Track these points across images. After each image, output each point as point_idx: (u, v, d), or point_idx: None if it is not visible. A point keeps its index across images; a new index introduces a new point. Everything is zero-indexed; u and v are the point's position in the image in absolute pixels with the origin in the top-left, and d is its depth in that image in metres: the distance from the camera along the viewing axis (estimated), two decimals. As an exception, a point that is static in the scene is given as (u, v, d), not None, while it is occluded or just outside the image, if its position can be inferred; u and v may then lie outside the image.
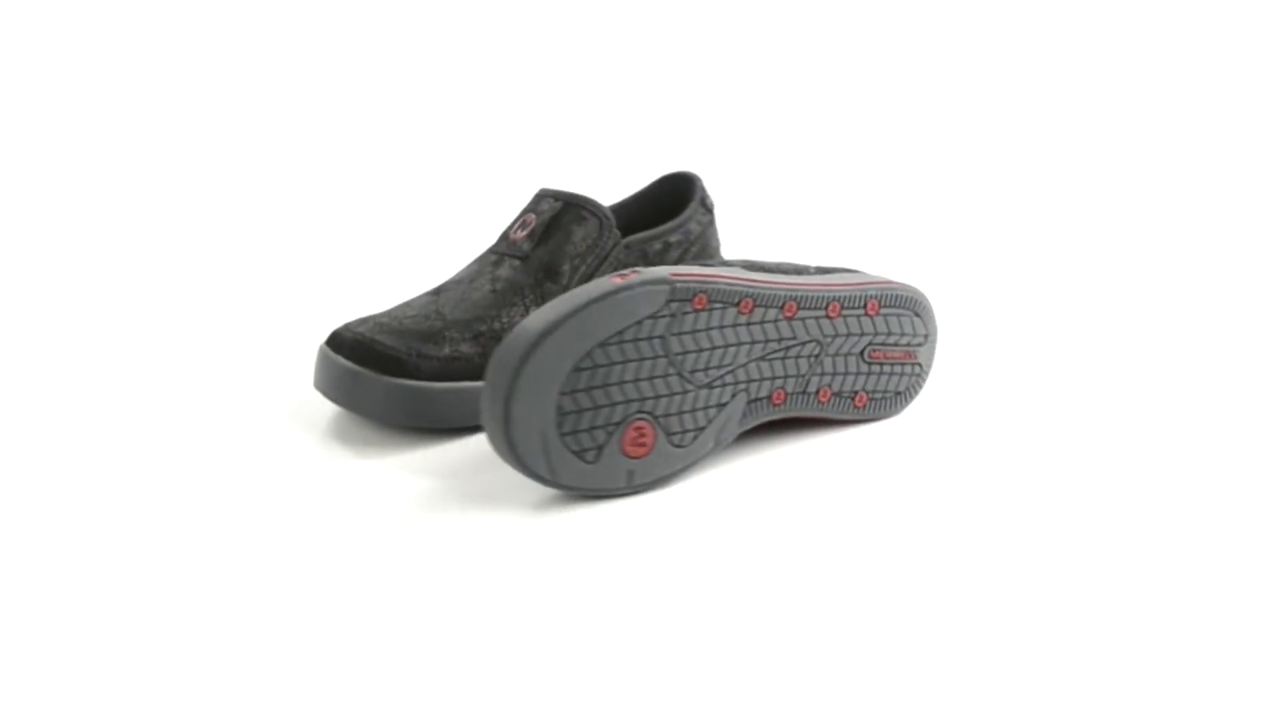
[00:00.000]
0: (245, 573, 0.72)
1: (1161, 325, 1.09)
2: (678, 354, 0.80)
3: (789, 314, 0.83)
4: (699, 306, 0.80)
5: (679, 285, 0.80)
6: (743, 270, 0.84)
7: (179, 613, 0.68)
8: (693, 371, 0.81)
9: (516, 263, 0.92)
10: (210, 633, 0.67)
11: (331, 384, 0.87)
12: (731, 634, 0.66)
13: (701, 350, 0.81)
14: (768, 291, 0.83)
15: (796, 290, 0.84)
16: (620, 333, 0.78)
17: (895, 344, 0.88)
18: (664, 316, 0.79)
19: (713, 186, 1.22)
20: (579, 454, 0.79)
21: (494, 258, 0.93)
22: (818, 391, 0.86)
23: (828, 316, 0.85)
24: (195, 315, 1.13)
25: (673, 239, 0.97)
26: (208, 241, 1.33)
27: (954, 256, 1.26)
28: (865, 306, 0.86)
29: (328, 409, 0.93)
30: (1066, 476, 0.82)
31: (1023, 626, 0.67)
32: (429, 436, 0.88)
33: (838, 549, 0.74)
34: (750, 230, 1.31)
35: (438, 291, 0.92)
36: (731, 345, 0.82)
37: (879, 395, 0.88)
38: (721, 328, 0.81)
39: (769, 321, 0.83)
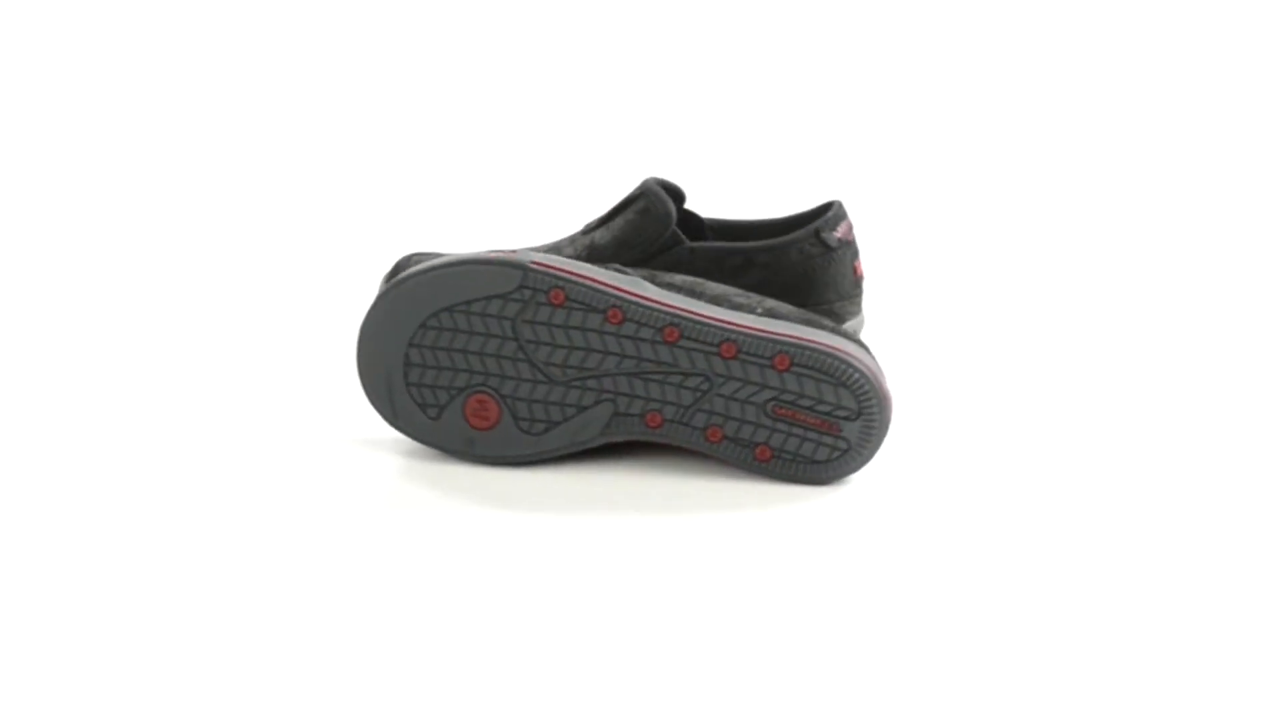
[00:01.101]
0: (225, 544, 0.75)
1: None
2: (530, 342, 0.81)
3: (669, 339, 0.81)
4: (556, 302, 0.81)
5: (532, 273, 0.81)
6: (641, 282, 0.82)
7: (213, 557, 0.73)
8: (547, 365, 0.82)
9: (581, 238, 0.95)
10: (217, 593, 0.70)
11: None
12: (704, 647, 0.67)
13: (557, 346, 0.81)
14: (643, 308, 0.80)
15: (680, 317, 0.80)
16: (467, 303, 0.81)
17: (810, 409, 0.81)
18: (514, 301, 0.81)
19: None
20: (422, 407, 0.83)
21: (579, 230, 0.97)
22: (705, 428, 0.82)
23: (719, 355, 0.81)
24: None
25: (759, 259, 0.94)
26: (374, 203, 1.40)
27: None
28: (773, 359, 0.80)
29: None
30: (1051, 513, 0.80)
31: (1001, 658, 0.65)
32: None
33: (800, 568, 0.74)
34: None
35: (523, 248, 0.98)
36: (595, 351, 0.81)
37: (788, 456, 0.82)
38: (584, 330, 0.81)
39: (643, 340, 0.81)
